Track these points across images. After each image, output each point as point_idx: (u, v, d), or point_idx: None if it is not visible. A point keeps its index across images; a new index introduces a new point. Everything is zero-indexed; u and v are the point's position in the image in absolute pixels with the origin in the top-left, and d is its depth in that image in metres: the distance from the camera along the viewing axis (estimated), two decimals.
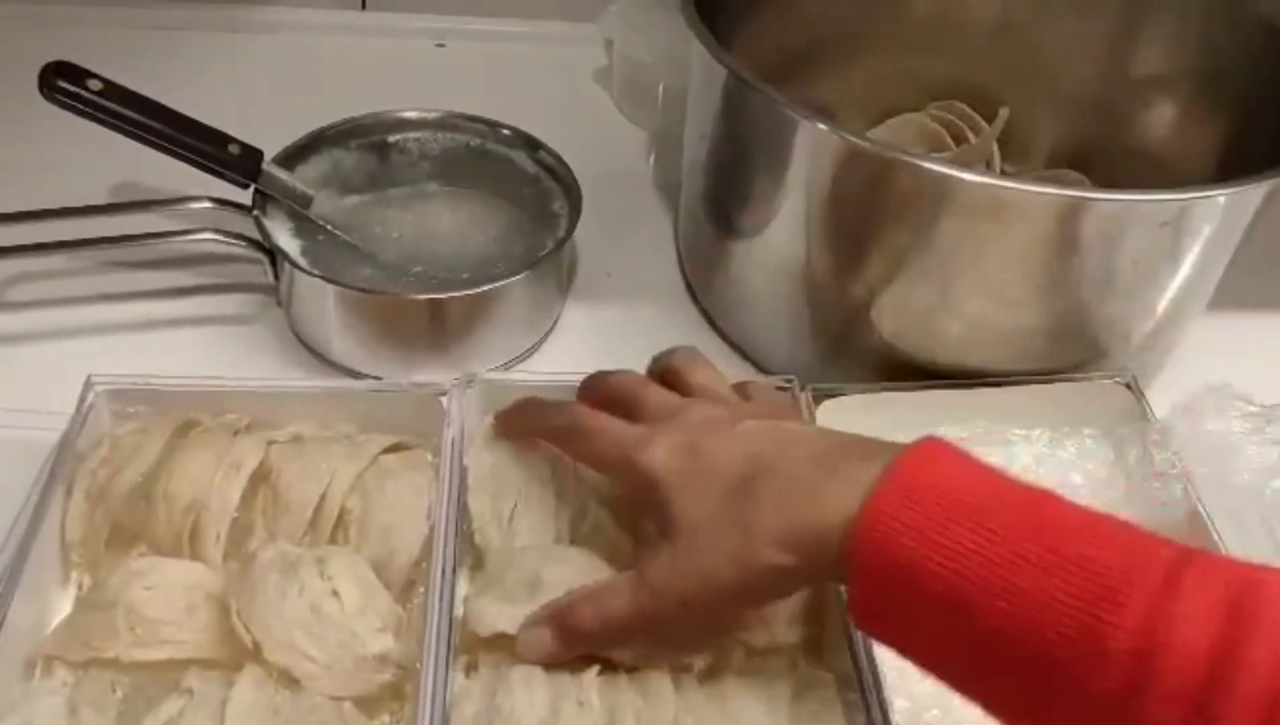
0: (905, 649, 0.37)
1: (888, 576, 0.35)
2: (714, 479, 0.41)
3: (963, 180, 0.51)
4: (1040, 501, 0.35)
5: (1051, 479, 0.53)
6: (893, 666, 0.43)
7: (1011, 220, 0.52)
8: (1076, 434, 0.56)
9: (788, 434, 0.42)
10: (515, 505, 0.48)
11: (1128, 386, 0.58)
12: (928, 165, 0.51)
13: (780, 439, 0.42)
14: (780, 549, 0.38)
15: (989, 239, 0.53)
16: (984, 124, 0.74)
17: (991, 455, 0.53)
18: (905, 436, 0.55)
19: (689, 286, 0.70)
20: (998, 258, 0.54)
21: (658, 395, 0.47)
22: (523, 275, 0.59)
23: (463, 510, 0.49)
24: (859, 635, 0.44)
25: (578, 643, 0.43)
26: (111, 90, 0.58)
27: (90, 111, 0.58)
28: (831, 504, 0.37)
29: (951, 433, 0.55)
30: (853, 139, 0.53)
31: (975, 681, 0.35)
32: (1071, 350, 0.59)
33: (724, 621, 0.44)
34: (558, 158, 0.67)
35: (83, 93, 0.57)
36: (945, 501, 0.35)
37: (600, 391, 0.49)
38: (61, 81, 0.57)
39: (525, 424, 0.50)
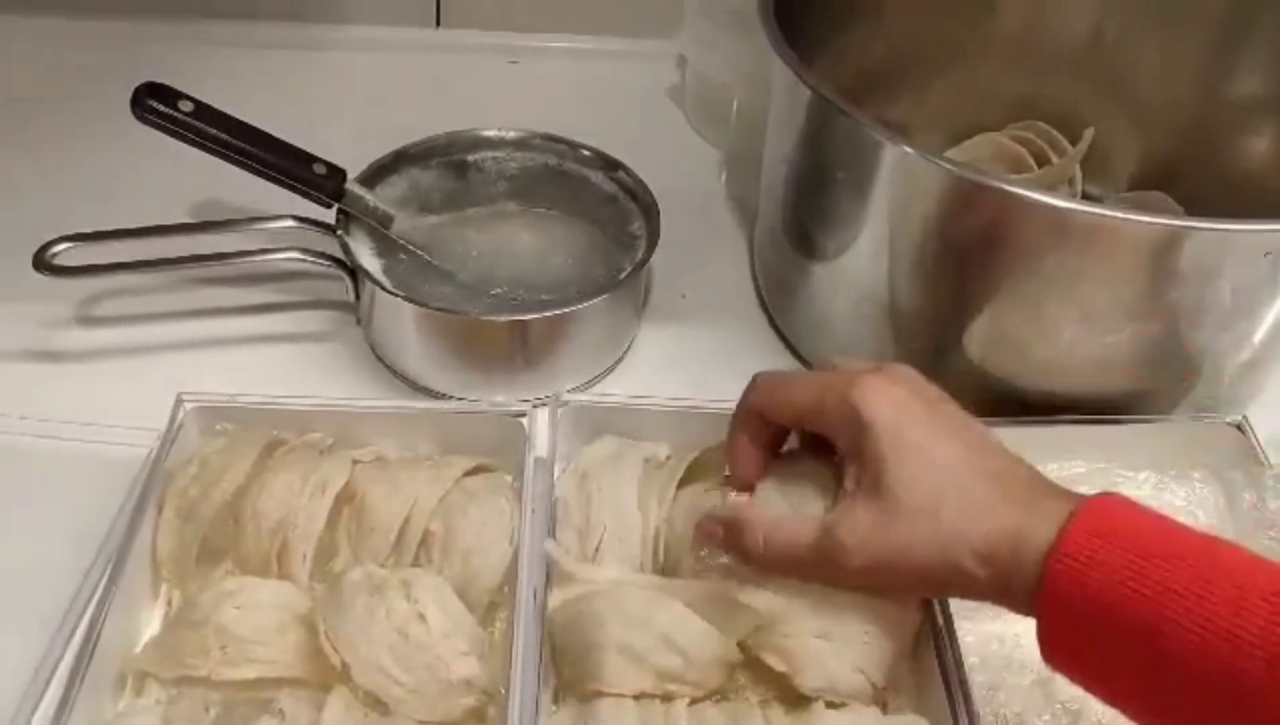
0: (1093, 681, 0.38)
1: (1083, 610, 0.36)
2: (928, 452, 0.40)
3: (1058, 207, 0.50)
4: (1221, 546, 0.37)
5: None
6: (989, 710, 0.42)
7: (1110, 248, 0.51)
8: (1185, 477, 0.54)
9: (985, 437, 0.43)
10: (600, 542, 0.48)
11: (1238, 427, 0.56)
12: (1022, 191, 0.50)
13: (984, 437, 0.42)
14: (978, 560, 0.39)
15: (1085, 267, 0.52)
16: (1067, 145, 0.73)
17: None
18: None
19: (765, 308, 0.69)
20: (1093, 286, 0.52)
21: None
22: (602, 297, 0.59)
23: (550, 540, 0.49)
24: (955, 677, 0.43)
25: (740, 554, 0.44)
26: (202, 111, 0.59)
27: (181, 132, 0.58)
28: (1031, 530, 0.38)
29: (1052, 471, 0.55)
30: (943, 164, 0.52)
31: (1164, 714, 0.36)
32: (1164, 378, 0.57)
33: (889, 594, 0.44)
34: (637, 179, 0.67)
35: (174, 113, 0.58)
36: (1139, 541, 0.36)
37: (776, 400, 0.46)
38: (154, 102, 0.58)
39: (737, 434, 0.47)
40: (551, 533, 0.49)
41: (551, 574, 0.48)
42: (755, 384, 0.47)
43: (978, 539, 0.39)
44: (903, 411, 0.41)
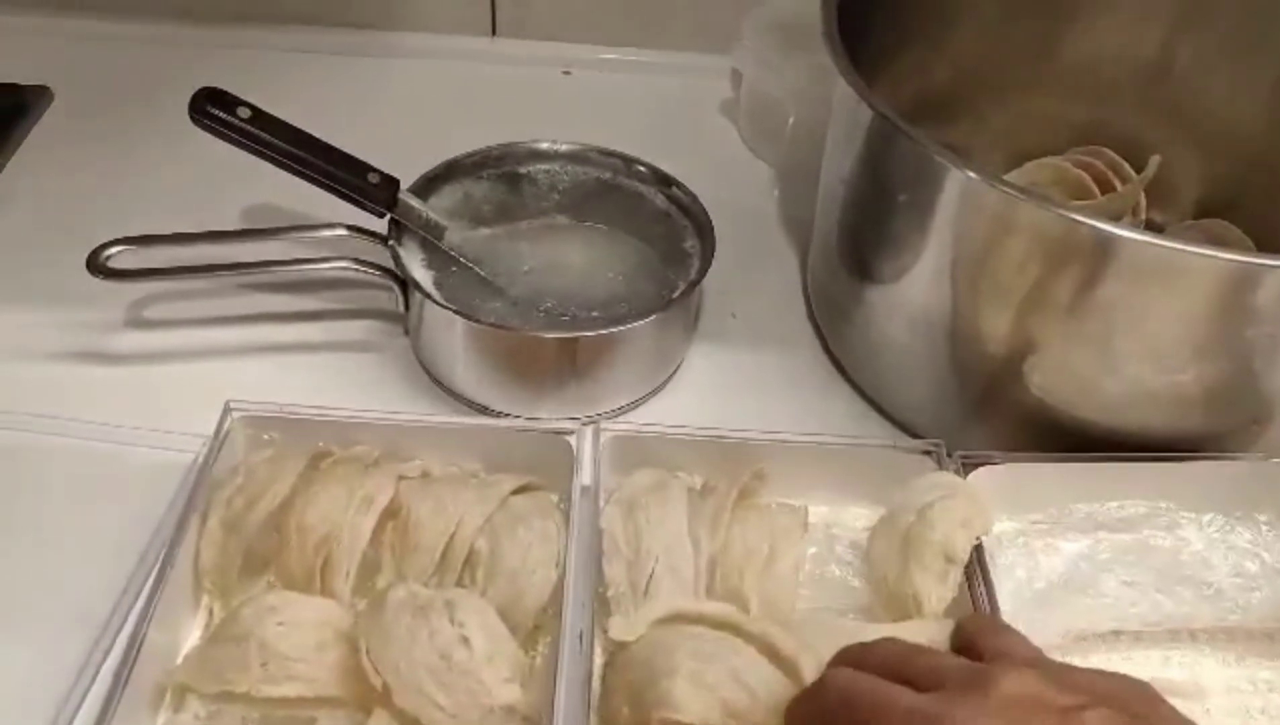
0: None
1: None
2: None
3: (1129, 240, 0.49)
4: None
5: (1224, 568, 0.50)
6: None
7: (1182, 283, 0.49)
8: (1251, 519, 0.52)
9: None
10: (652, 574, 0.47)
11: None
12: (1092, 223, 0.49)
13: None
14: None
15: (1154, 301, 0.50)
16: (1132, 172, 0.71)
17: (1158, 539, 0.51)
18: (1060, 510, 0.53)
19: (817, 330, 0.68)
20: (1162, 321, 0.51)
21: (943, 656, 0.38)
22: (654, 316, 0.58)
23: (597, 572, 0.48)
24: None
25: None
26: (259, 117, 0.58)
27: (238, 138, 0.58)
28: None
29: (1113, 511, 0.53)
30: (1011, 191, 0.50)
31: None
32: (1234, 419, 0.55)
33: None
34: (691, 196, 0.66)
35: (232, 119, 0.58)
36: None
37: (866, 665, 0.38)
38: (212, 108, 0.58)
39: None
40: (599, 566, 0.48)
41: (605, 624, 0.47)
42: (845, 695, 0.36)
43: None
44: None
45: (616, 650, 0.46)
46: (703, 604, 0.47)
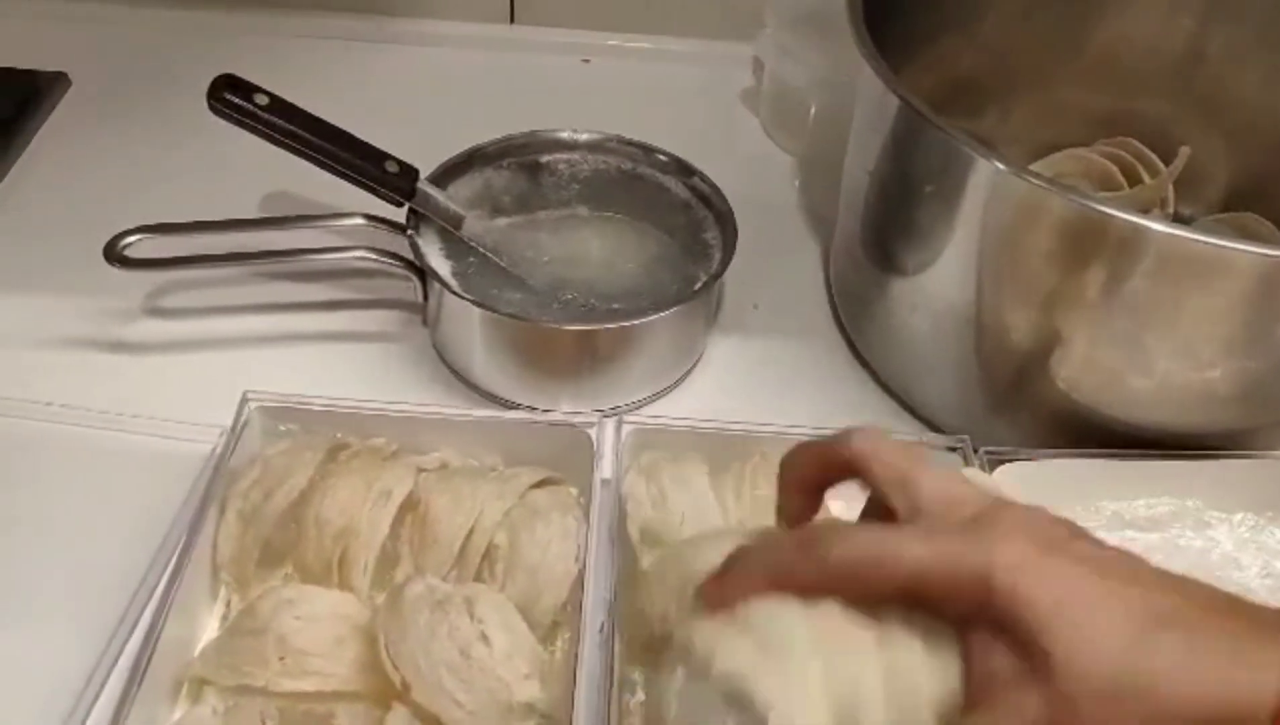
0: None
1: None
2: (1104, 617, 0.32)
3: (1158, 232, 0.48)
4: None
5: (1254, 568, 0.49)
6: None
7: (1216, 278, 0.48)
8: None
9: (1170, 580, 0.34)
10: (681, 526, 0.47)
11: None
12: (1124, 216, 0.48)
13: (1167, 585, 0.33)
14: None
15: (1184, 295, 0.49)
16: (1160, 164, 0.70)
17: (1187, 539, 0.51)
18: (1086, 508, 0.52)
19: (839, 322, 0.67)
20: (1192, 316, 0.50)
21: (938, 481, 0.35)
22: (675, 309, 0.58)
23: (618, 566, 0.48)
24: None
25: None
26: (277, 105, 0.58)
27: (256, 126, 0.58)
28: (1250, 685, 0.31)
29: (1141, 509, 0.52)
30: (1040, 183, 0.50)
31: None
32: (1265, 416, 0.54)
33: None
34: (713, 186, 0.65)
35: (250, 107, 0.57)
36: None
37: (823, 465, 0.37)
38: (230, 95, 0.57)
39: (740, 583, 0.36)
40: (621, 528, 0.48)
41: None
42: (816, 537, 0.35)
43: (1190, 704, 0.31)
44: (1064, 587, 0.32)
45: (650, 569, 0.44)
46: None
